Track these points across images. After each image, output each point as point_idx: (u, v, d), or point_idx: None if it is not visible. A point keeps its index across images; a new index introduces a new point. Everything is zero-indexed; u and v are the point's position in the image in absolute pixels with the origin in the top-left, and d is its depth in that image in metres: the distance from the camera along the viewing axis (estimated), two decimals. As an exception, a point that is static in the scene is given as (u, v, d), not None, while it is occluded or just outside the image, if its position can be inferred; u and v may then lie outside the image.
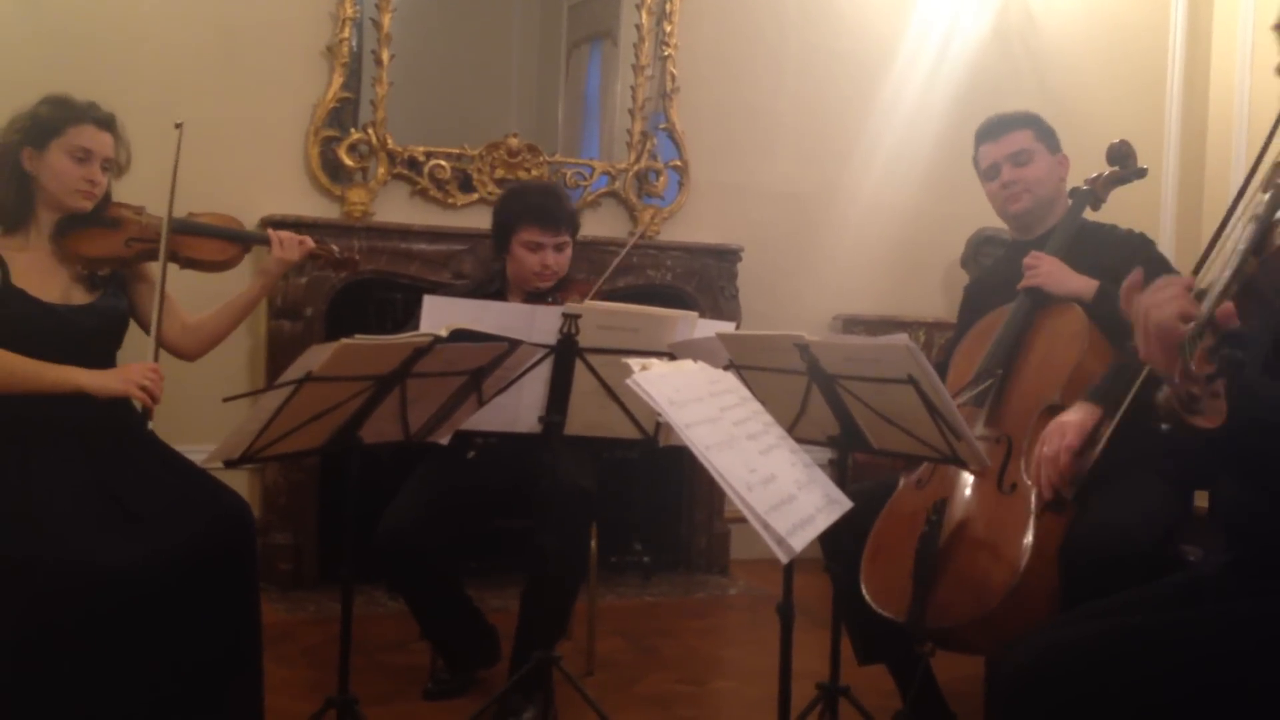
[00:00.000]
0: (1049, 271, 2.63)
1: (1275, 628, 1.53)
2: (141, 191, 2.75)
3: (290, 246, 2.81)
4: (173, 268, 2.73)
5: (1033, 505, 2.28)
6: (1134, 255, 2.58)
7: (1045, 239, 2.78)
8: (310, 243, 2.84)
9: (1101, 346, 2.49)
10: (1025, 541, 2.21)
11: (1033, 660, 1.63)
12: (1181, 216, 5.36)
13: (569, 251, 3.18)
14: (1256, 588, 1.59)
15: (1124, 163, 2.85)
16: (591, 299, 2.94)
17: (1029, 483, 2.32)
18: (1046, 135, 2.85)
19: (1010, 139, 2.82)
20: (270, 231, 2.84)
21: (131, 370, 2.49)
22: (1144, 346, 1.41)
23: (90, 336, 2.58)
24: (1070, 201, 2.83)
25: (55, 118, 2.58)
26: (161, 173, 2.61)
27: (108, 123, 2.63)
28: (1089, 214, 2.83)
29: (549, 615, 2.86)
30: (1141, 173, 2.87)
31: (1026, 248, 2.78)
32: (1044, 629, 1.76)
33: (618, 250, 4.26)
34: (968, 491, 2.41)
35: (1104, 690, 1.54)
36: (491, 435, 2.58)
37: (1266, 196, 1.46)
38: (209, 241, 2.76)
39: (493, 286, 3.25)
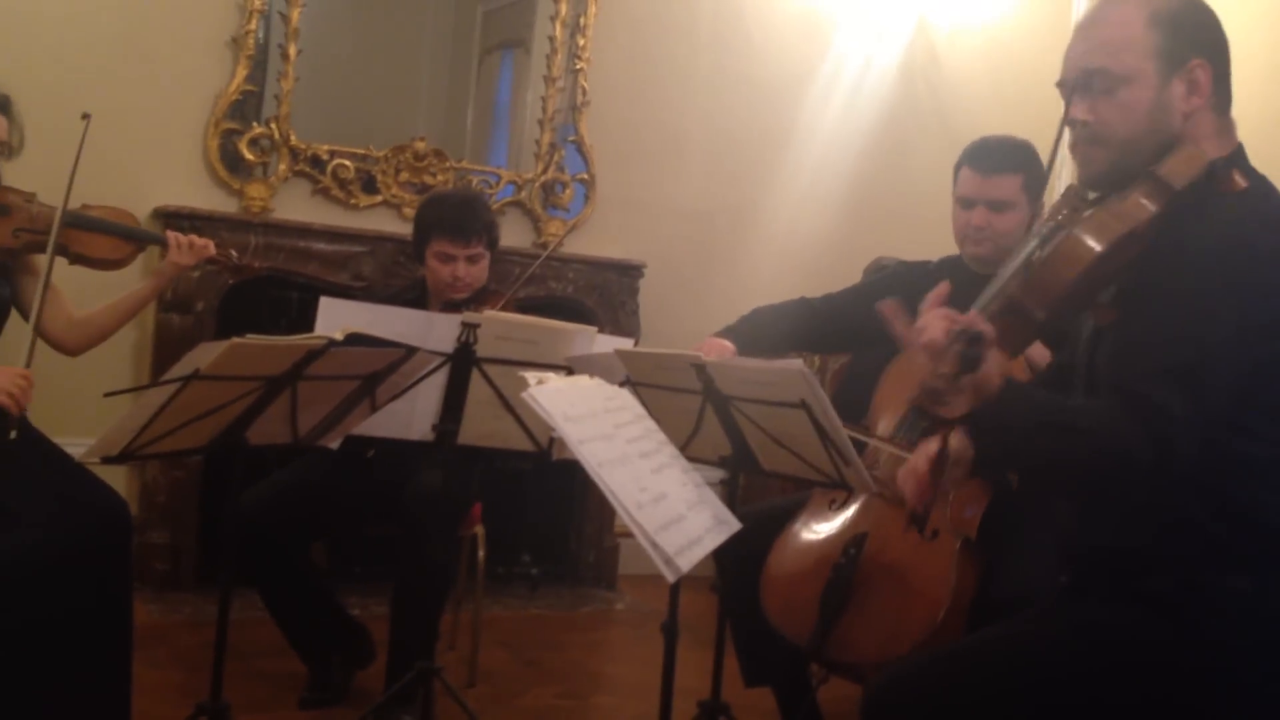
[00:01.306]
0: None
1: (1098, 634, 1.70)
2: (33, 177, 2.65)
3: (186, 251, 2.70)
4: (61, 261, 2.64)
5: (954, 555, 2.24)
6: None
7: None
8: (211, 249, 2.75)
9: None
10: (942, 593, 2.20)
11: (895, 676, 1.78)
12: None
13: (484, 263, 3.14)
14: (1085, 600, 1.76)
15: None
16: (507, 310, 2.92)
17: (951, 529, 2.28)
18: (1034, 183, 2.64)
19: (998, 184, 2.64)
20: (169, 234, 2.74)
21: (0, 375, 2.35)
22: (916, 355, 1.64)
23: (-35, 323, 2.49)
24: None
25: None
26: (55, 159, 2.52)
27: (0, 104, 2.54)
28: None
29: (416, 624, 2.80)
30: None
31: (977, 277, 2.64)
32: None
33: (520, 260, 4.26)
34: (888, 530, 2.35)
35: (955, 695, 1.71)
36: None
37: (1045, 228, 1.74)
38: (102, 238, 2.65)
39: (412, 294, 3.21)
